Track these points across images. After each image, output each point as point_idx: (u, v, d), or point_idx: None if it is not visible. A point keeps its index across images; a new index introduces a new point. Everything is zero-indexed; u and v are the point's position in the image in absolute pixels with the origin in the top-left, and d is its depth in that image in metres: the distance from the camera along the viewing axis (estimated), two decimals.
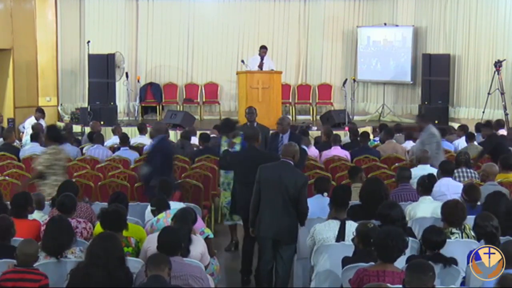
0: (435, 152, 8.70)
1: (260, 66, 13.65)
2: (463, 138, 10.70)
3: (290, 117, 14.68)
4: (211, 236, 6.08)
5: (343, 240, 5.37)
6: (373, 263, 4.57)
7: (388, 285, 4.26)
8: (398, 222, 5.33)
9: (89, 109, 14.50)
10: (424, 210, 6.26)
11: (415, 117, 15.47)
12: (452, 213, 5.47)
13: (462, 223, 5.48)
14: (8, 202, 6.12)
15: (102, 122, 13.75)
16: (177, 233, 4.87)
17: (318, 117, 15.53)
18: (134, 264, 4.82)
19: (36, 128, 11.66)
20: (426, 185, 6.55)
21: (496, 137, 9.62)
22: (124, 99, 15.97)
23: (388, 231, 4.53)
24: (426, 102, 15.09)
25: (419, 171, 7.56)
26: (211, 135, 10.64)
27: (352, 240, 5.18)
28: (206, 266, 5.47)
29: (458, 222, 5.46)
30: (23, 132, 13.50)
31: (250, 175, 6.37)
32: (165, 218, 5.80)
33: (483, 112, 13.99)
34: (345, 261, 4.94)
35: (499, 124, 11.80)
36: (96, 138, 10.45)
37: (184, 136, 10.27)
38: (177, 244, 4.77)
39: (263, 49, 13.78)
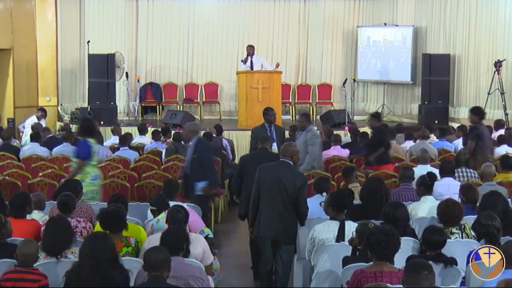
0: (317, 154, 8.54)
1: (248, 64, 13.58)
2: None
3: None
4: (211, 235, 6.07)
5: (343, 240, 5.37)
6: (372, 263, 4.56)
7: (388, 285, 4.26)
8: (401, 222, 5.33)
9: (89, 109, 14.52)
10: (425, 209, 6.26)
11: (415, 117, 15.58)
12: (446, 212, 5.45)
13: (459, 222, 5.47)
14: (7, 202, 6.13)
15: (102, 122, 13.79)
16: (179, 233, 4.86)
17: (318, 117, 15.53)
18: (134, 264, 4.81)
19: (36, 128, 11.67)
20: (427, 184, 6.53)
21: (382, 130, 9.30)
22: (124, 99, 15.98)
23: (383, 231, 4.52)
24: (426, 102, 15.08)
25: (419, 171, 7.57)
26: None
27: (349, 241, 5.18)
28: (210, 265, 5.47)
29: (454, 222, 5.44)
30: (23, 132, 13.52)
31: None
32: (164, 219, 5.80)
33: None
34: (346, 260, 4.94)
35: (499, 124, 11.80)
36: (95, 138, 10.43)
37: (177, 138, 10.17)
38: (179, 244, 4.76)
39: (249, 48, 13.75)
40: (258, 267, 6.47)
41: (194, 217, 6.09)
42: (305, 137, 8.42)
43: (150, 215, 6.37)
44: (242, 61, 14.11)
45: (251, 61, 13.61)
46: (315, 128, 8.78)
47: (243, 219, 7.18)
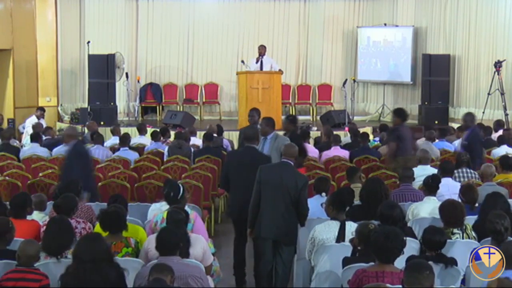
0: None
1: (259, 64, 13.59)
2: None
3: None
4: (213, 250, 6.01)
5: (343, 240, 5.37)
6: (373, 263, 4.56)
7: (388, 285, 4.26)
8: (398, 222, 5.34)
9: (89, 109, 14.51)
10: (427, 210, 6.27)
11: (416, 118, 15.56)
12: (450, 214, 5.46)
13: (463, 223, 5.48)
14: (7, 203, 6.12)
15: (102, 123, 13.78)
16: (174, 232, 4.83)
17: (318, 117, 15.52)
18: (134, 265, 4.81)
19: (37, 127, 11.67)
20: (430, 185, 6.53)
21: (298, 134, 9.20)
22: (124, 99, 15.98)
23: (387, 232, 4.51)
24: (426, 103, 15.09)
25: (419, 172, 7.56)
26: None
27: (350, 241, 5.18)
28: (210, 266, 5.45)
29: (458, 222, 5.45)
30: (23, 133, 13.52)
31: (248, 174, 6.31)
32: None
33: (483, 112, 13.98)
34: (346, 261, 4.94)
35: (499, 124, 11.79)
36: (95, 138, 10.45)
37: (179, 136, 10.20)
38: (174, 242, 4.73)
39: (261, 48, 13.77)
40: (258, 268, 6.43)
41: (200, 227, 5.99)
42: (276, 143, 7.76)
43: (150, 215, 6.35)
44: (242, 61, 14.10)
45: (261, 62, 13.62)
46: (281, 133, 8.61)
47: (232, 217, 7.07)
